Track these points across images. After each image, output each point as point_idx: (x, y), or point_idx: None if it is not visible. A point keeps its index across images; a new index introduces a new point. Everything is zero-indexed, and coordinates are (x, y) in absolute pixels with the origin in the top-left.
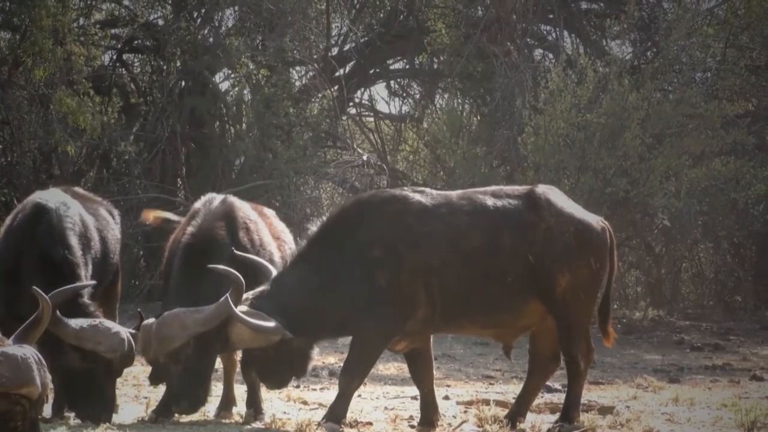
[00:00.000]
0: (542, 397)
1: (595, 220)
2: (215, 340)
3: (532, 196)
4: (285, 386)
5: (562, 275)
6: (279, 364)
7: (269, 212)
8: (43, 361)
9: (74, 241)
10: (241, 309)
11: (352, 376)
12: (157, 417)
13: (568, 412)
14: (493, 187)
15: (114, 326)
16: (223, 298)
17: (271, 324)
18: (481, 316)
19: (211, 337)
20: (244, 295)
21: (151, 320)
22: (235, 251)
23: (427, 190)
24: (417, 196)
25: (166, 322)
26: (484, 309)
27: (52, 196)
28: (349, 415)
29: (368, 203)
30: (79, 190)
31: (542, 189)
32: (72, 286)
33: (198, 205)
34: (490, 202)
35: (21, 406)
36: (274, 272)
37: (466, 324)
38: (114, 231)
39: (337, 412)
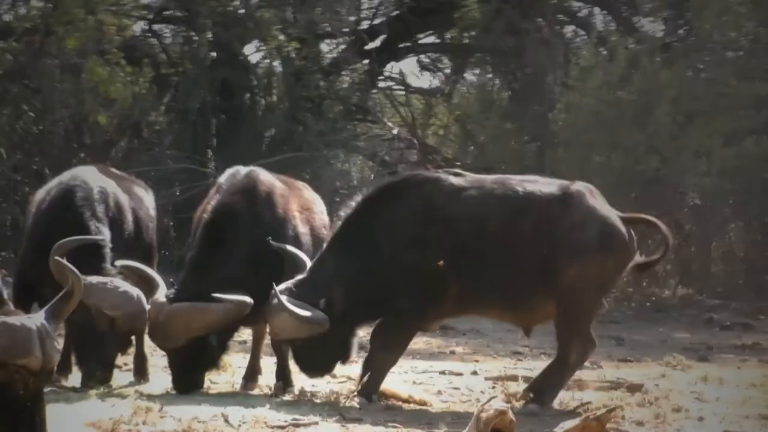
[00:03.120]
0: None
1: (625, 229)
2: (221, 338)
3: (566, 190)
4: (329, 373)
5: (571, 267)
6: (321, 354)
7: (300, 184)
8: (51, 333)
9: (103, 217)
10: (285, 299)
11: (386, 353)
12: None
13: (542, 394)
14: (532, 176)
15: (124, 285)
16: (230, 301)
17: (317, 314)
18: (499, 300)
19: (216, 337)
20: (284, 285)
21: (162, 302)
22: (272, 242)
23: (463, 173)
24: (450, 179)
25: (172, 320)
26: (503, 292)
27: (86, 174)
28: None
29: (403, 184)
30: (113, 169)
31: (579, 186)
32: (74, 238)
33: (222, 179)
34: (520, 188)
35: (20, 375)
36: (307, 261)
37: (488, 307)
38: (147, 209)
39: (369, 387)
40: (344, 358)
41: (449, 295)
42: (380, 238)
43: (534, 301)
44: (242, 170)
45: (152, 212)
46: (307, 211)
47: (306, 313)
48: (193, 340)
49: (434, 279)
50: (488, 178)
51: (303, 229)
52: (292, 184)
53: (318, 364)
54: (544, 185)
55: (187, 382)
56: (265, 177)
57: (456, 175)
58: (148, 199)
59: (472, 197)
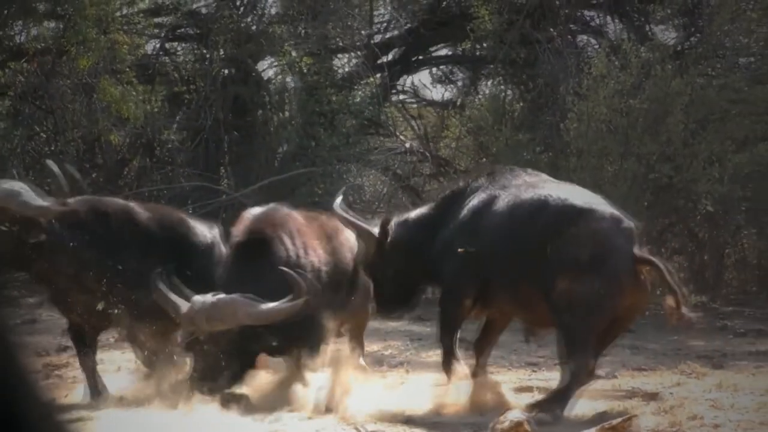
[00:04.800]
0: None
1: (631, 264)
2: (259, 338)
3: (584, 206)
4: (395, 315)
5: (562, 279)
6: (390, 293)
7: (323, 217)
8: None
9: None
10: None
11: (441, 328)
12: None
13: (549, 402)
14: (574, 187)
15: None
16: (279, 302)
17: (364, 226)
18: (514, 297)
19: (256, 333)
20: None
21: (204, 297)
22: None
23: (534, 172)
24: (506, 176)
25: (219, 305)
26: (516, 289)
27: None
28: (396, 407)
29: (476, 177)
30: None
31: (600, 207)
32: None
33: (245, 213)
34: (552, 193)
35: None
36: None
37: (506, 302)
38: (194, 238)
39: (446, 361)
40: (407, 303)
41: (480, 283)
42: (446, 222)
43: (541, 304)
44: (271, 206)
45: (202, 240)
46: (328, 239)
47: (355, 220)
48: (236, 330)
49: (468, 266)
50: (533, 180)
51: (321, 258)
52: (314, 218)
53: (387, 303)
54: (569, 195)
55: (213, 379)
56: (292, 213)
57: (517, 174)
58: (204, 229)
59: (509, 195)
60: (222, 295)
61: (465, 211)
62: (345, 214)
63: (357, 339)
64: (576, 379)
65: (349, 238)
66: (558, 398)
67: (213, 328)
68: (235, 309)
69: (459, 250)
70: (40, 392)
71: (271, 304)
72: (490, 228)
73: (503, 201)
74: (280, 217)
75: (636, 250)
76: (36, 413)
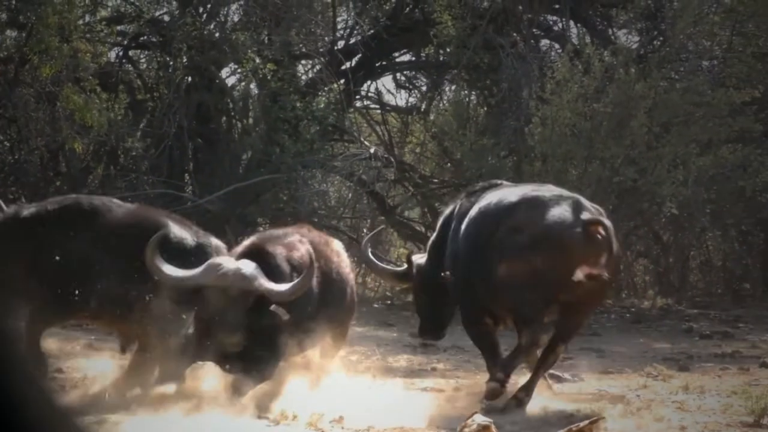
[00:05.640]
0: (551, 387)
1: (580, 225)
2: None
3: (521, 199)
4: (429, 339)
5: (501, 264)
6: (432, 315)
7: (329, 239)
8: None
9: None
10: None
11: (474, 342)
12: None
13: (495, 370)
14: (534, 189)
15: None
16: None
17: (383, 267)
18: (491, 290)
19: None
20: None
21: (224, 259)
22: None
23: (504, 183)
24: (478, 192)
25: (252, 268)
26: (488, 284)
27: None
28: (361, 413)
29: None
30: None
31: (539, 195)
32: None
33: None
34: (494, 199)
35: None
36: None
37: (492, 296)
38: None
39: (493, 372)
40: (441, 328)
41: (477, 287)
42: (448, 236)
43: (490, 296)
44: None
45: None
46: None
47: (375, 263)
48: (251, 299)
49: (468, 288)
50: (509, 187)
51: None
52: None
53: (425, 329)
54: (509, 195)
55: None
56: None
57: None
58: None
59: (470, 213)
60: (241, 265)
61: (450, 237)
62: (374, 262)
63: (335, 349)
64: (525, 347)
65: (347, 265)
66: (503, 364)
67: (247, 288)
68: (257, 276)
69: (442, 275)
70: (53, 397)
71: (278, 285)
72: (462, 247)
73: (468, 218)
74: (288, 243)
75: (585, 215)
76: (50, 417)
